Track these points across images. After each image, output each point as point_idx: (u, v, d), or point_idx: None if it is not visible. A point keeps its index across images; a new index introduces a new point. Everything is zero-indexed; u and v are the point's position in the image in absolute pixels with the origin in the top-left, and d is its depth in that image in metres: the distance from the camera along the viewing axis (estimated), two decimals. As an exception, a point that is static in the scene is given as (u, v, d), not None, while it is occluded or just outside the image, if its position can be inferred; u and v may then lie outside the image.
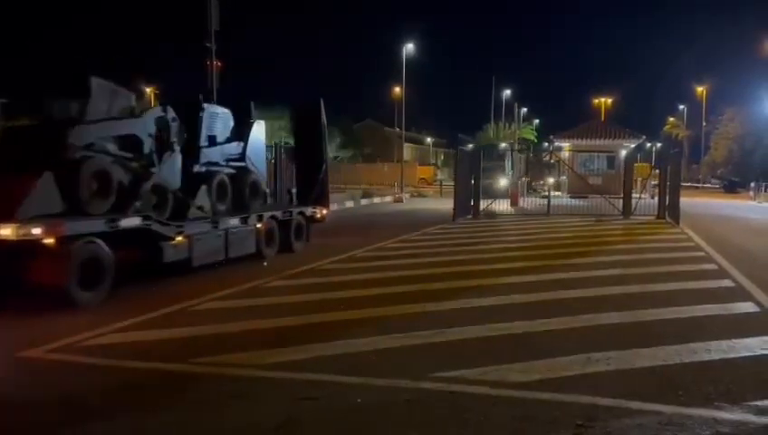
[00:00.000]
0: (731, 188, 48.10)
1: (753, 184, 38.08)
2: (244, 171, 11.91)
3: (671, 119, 76.05)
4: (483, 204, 22.56)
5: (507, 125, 65.27)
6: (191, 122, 10.70)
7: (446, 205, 22.68)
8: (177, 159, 10.24)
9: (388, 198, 32.76)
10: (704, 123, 66.61)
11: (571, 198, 29.36)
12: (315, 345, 6.10)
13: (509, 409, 4.61)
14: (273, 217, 12.00)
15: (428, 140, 79.58)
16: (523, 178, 33.61)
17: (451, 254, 12.70)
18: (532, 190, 34.65)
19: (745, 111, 55.66)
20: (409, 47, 38.13)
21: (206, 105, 11.34)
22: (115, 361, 5.73)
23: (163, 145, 9.88)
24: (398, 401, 4.76)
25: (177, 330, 6.75)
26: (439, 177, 54.07)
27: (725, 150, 59.71)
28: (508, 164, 33.85)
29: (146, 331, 6.75)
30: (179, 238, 9.38)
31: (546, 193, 26.78)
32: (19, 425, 4.47)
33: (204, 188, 10.66)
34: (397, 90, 44.81)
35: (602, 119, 47.85)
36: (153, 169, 9.55)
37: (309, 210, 13.40)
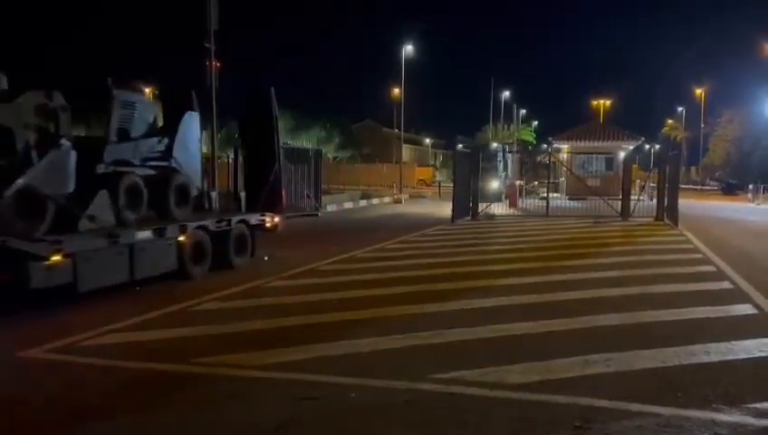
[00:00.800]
0: (729, 190, 48.17)
1: (751, 186, 38.14)
2: (168, 172, 10.03)
3: (670, 121, 76.17)
4: (480, 205, 22.43)
5: (506, 126, 65.34)
6: (95, 112, 9.10)
7: (445, 206, 22.70)
8: (68, 157, 8.33)
9: (387, 199, 32.77)
10: (702, 125, 66.71)
11: (569, 199, 29.38)
12: (315, 346, 6.11)
13: (508, 410, 4.62)
14: (202, 227, 9.98)
15: (427, 141, 79.62)
16: (517, 181, 33.07)
17: (450, 255, 12.71)
18: (525, 193, 33.02)
19: (744, 112, 55.73)
20: (408, 48, 38.15)
21: (116, 91, 9.24)
22: (115, 361, 5.74)
23: (45, 139, 8.05)
24: (397, 402, 4.78)
25: (176, 330, 6.75)
26: (438, 178, 54.07)
27: (723, 152, 59.78)
28: (500, 166, 32.74)
29: (146, 331, 6.75)
30: (56, 258, 7.34)
31: (544, 195, 26.76)
32: (19, 424, 4.47)
33: (103, 193, 8.70)
34: (396, 90, 44.80)
35: (601, 120, 47.93)
36: (28, 170, 7.72)
37: (254, 218, 11.40)
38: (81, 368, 5.59)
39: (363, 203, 29.85)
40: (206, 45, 18.60)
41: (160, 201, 9.71)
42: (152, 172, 9.81)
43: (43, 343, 6.15)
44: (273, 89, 12.36)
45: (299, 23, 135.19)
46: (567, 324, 7.00)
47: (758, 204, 34.03)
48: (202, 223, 10.07)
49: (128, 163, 9.40)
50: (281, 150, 12.90)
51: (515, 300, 8.26)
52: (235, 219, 10.86)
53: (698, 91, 67.16)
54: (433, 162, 74.82)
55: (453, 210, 20.60)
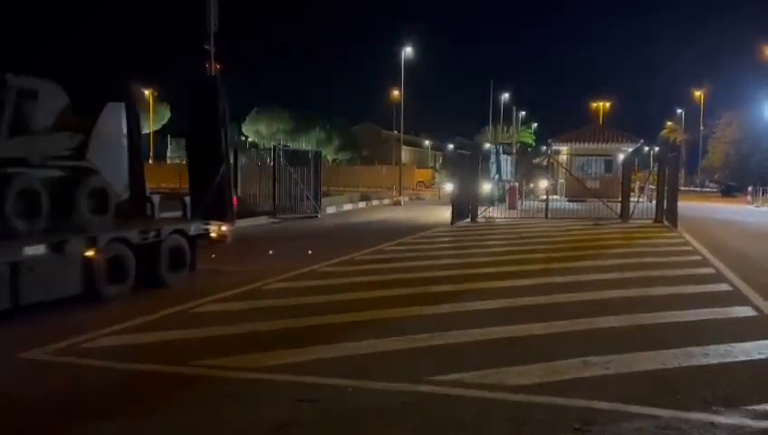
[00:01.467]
0: (728, 192, 48.25)
1: (750, 188, 38.18)
2: (82, 174, 8.58)
3: (669, 123, 76.31)
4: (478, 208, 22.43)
5: (506, 128, 65.40)
6: None
7: (444, 209, 22.72)
8: None
9: (387, 201, 32.78)
10: (701, 127, 66.81)
11: (569, 201, 29.39)
12: (314, 348, 6.11)
13: (507, 412, 4.63)
14: (121, 239, 8.36)
15: (427, 143, 79.68)
16: (515, 183, 32.34)
17: (449, 257, 12.72)
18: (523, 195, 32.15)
19: (743, 115, 55.83)
20: (408, 50, 38.23)
21: (10, 77, 7.86)
22: (115, 363, 5.74)
23: None
24: (396, 404, 4.78)
25: (176, 332, 6.76)
26: (437, 180, 54.13)
27: (722, 154, 59.89)
28: (494, 167, 31.00)
29: (145, 333, 6.76)
30: None
31: (542, 197, 26.76)
32: (19, 426, 4.48)
33: None
34: (395, 92, 44.86)
35: (600, 122, 48.01)
36: None
37: (192, 227, 9.79)
38: (82, 369, 5.59)
39: (362, 205, 29.85)
40: (206, 47, 18.64)
41: (69, 208, 8.14)
42: (60, 174, 8.34)
43: (43, 345, 6.15)
44: (220, 76, 10.75)
45: (299, 24, 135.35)
46: (566, 326, 7.01)
47: (757, 206, 34.05)
48: (120, 234, 8.41)
49: (22, 162, 7.87)
50: (228, 147, 11.23)
51: (514, 302, 8.26)
52: (166, 229, 9.20)
53: (697, 94, 67.33)
54: (432, 164, 74.89)
55: (452, 212, 20.61)
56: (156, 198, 10.26)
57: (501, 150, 33.88)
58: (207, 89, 10.95)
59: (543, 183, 31.29)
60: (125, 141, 9.61)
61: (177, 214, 10.71)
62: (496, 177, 29.82)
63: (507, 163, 33.98)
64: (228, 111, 10.81)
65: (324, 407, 4.74)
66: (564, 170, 32.65)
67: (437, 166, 74.49)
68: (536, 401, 4.82)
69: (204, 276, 9.86)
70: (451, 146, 32.40)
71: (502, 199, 27.61)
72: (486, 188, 26.90)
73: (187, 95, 11.26)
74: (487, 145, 36.54)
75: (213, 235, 10.33)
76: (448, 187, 29.75)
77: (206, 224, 10.17)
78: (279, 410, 4.68)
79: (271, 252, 11.19)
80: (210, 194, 10.37)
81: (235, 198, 10.83)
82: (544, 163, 31.95)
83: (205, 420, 4.56)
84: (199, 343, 6.35)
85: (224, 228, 10.44)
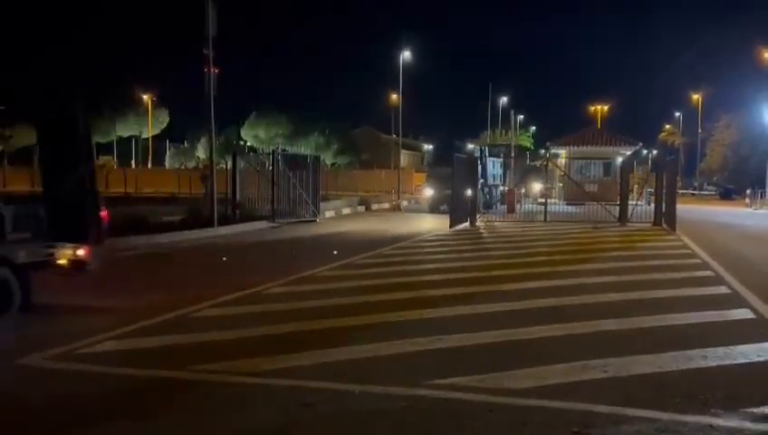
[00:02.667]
0: (727, 194, 48.34)
1: (748, 191, 38.24)
2: None
3: (667, 126, 76.39)
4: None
5: (504, 132, 65.44)
6: None
7: (442, 213, 22.74)
8: None
9: (386, 205, 32.75)
10: (699, 130, 66.90)
11: (567, 204, 29.42)
12: (313, 352, 6.11)
13: (506, 415, 4.63)
14: None
15: (426, 146, 79.74)
16: (502, 187, 31.10)
17: (448, 261, 12.72)
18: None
19: (741, 117, 55.92)
20: (406, 54, 38.29)
21: None
22: (113, 368, 5.73)
23: None
24: (395, 408, 4.78)
25: (174, 337, 6.74)
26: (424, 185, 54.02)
27: (721, 157, 59.98)
28: (479, 171, 27.34)
29: (144, 338, 6.74)
30: None
31: (541, 200, 26.70)
32: (17, 432, 4.47)
33: None
34: (394, 96, 44.91)
35: (599, 126, 48.10)
36: None
37: (23, 254, 7.36)
38: (80, 375, 5.58)
39: (360, 209, 29.82)
40: (205, 51, 18.67)
41: None
42: None
43: (41, 350, 6.12)
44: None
45: (297, 28, 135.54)
46: (565, 330, 7.01)
47: (755, 209, 34.12)
48: None
49: None
50: (92, 139, 8.87)
51: (513, 305, 8.26)
52: None
53: (695, 97, 67.40)
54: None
55: (450, 217, 20.61)
56: (9, 211, 7.52)
57: (486, 152, 30.62)
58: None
59: (537, 186, 30.84)
60: None
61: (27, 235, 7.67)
62: (481, 181, 26.59)
63: (495, 166, 31.53)
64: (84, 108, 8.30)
65: (323, 411, 4.74)
66: (562, 173, 32.65)
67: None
68: (535, 404, 4.82)
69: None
70: (427, 147, 31.00)
71: (489, 206, 26.60)
72: (469, 193, 23.74)
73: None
74: (470, 146, 31.90)
75: (62, 261, 7.72)
76: (428, 192, 28.73)
77: (50, 248, 7.62)
78: (278, 415, 4.68)
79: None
80: (61, 205, 7.80)
81: (104, 212, 8.20)
82: (538, 165, 31.66)
83: (203, 425, 4.56)
84: (197, 348, 6.34)
85: (80, 252, 7.74)
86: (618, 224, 21.32)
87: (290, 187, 22.46)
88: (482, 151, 29.97)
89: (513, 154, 44.18)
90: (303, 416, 4.66)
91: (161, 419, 4.66)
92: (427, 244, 15.97)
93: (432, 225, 21.05)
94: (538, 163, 33.20)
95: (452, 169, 21.46)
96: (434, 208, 26.73)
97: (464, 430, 4.42)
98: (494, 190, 30.32)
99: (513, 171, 37.29)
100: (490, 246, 15.54)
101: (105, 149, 67.94)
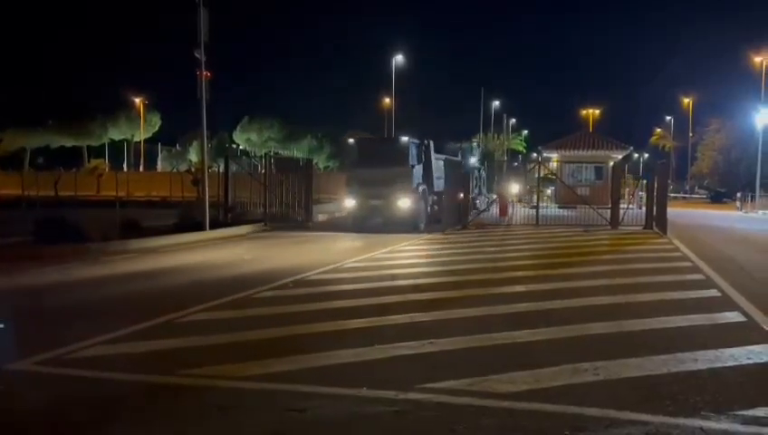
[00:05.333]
0: (717, 198, 48.65)
1: (739, 194, 38.49)
2: None
3: (658, 130, 76.83)
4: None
5: (496, 136, 65.64)
6: None
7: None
8: None
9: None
10: (690, 134, 67.30)
11: (559, 208, 29.50)
12: (303, 356, 6.08)
13: (497, 419, 4.62)
14: None
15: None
16: (481, 195, 27.44)
17: (439, 265, 12.72)
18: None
19: (731, 121, 56.30)
20: (399, 58, 38.42)
21: None
22: (102, 373, 5.68)
23: None
24: (386, 412, 4.76)
25: (164, 341, 6.70)
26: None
27: (711, 161, 60.31)
28: (418, 172, 20.74)
29: (133, 342, 6.69)
30: None
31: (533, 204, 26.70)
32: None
33: None
34: (386, 100, 44.98)
35: (590, 129, 48.36)
36: None
37: None
38: (69, 380, 5.53)
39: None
40: (197, 55, 18.63)
41: None
42: None
43: (30, 356, 6.08)
44: None
45: (290, 30, 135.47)
46: (556, 333, 7.01)
47: (746, 212, 34.33)
48: None
49: None
50: None
51: (504, 309, 8.26)
52: None
53: (686, 101, 67.82)
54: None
55: (442, 220, 20.62)
56: None
57: (431, 147, 22.19)
58: None
59: (515, 189, 29.95)
60: None
61: None
62: (422, 187, 20.69)
63: (441, 167, 23.16)
64: None
65: (313, 416, 4.71)
66: (553, 176, 32.71)
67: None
68: (526, 407, 4.81)
69: (188, 286, 9.62)
70: (351, 140, 23.26)
71: (437, 220, 21.51)
72: (404, 204, 19.43)
73: None
74: (405, 139, 21.56)
75: None
76: (349, 202, 20.63)
77: None
78: (267, 420, 4.65)
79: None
80: None
81: None
82: (515, 166, 30.88)
83: (191, 431, 4.52)
84: (187, 353, 6.30)
85: None
86: (609, 227, 21.40)
87: (282, 190, 22.43)
88: (422, 147, 21.40)
89: (506, 157, 44.13)
90: (292, 421, 4.63)
91: (150, 424, 4.62)
92: (418, 248, 15.93)
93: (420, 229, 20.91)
94: (517, 166, 32.32)
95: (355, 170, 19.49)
96: (360, 224, 19.97)
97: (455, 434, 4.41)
98: (431, 199, 22.49)
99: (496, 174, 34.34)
100: (481, 249, 15.53)
101: (97, 152, 67.76)
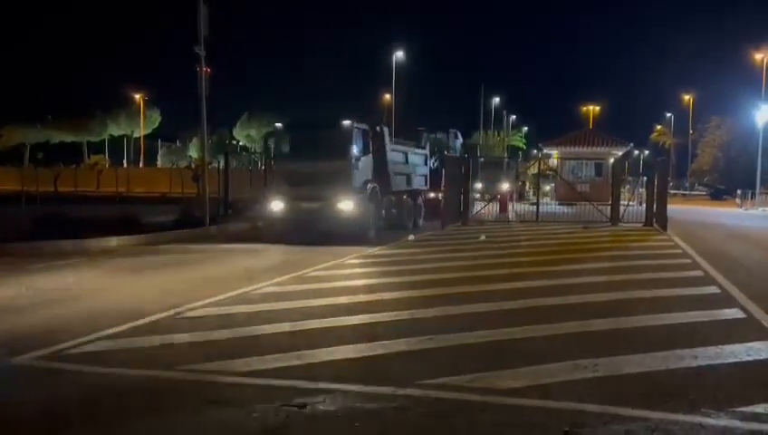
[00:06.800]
0: (717, 195, 48.70)
1: (739, 191, 38.52)
2: None
3: (658, 127, 76.75)
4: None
5: (496, 133, 65.59)
6: None
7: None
8: None
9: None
10: (690, 131, 67.26)
11: (559, 204, 29.51)
12: (303, 352, 6.09)
13: (497, 415, 4.62)
14: None
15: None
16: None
17: (439, 261, 12.71)
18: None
19: (731, 118, 56.29)
20: (399, 54, 38.36)
21: None
22: (102, 368, 5.69)
23: None
24: (385, 409, 4.76)
25: (164, 337, 6.70)
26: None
27: (711, 158, 60.31)
28: (358, 166, 16.15)
29: (133, 338, 6.70)
30: None
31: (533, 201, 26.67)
32: (3, 433, 4.42)
33: None
34: (386, 96, 44.92)
35: (590, 126, 48.34)
36: None
37: None
38: (69, 375, 5.54)
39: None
40: (197, 51, 18.62)
41: None
42: None
43: (29, 351, 6.09)
44: None
45: (292, 26, 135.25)
46: (555, 329, 7.01)
47: (746, 209, 34.36)
48: None
49: None
50: None
51: (504, 305, 8.26)
52: None
53: (686, 98, 67.74)
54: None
55: (443, 216, 20.62)
56: None
57: (385, 136, 17.80)
58: None
59: (504, 186, 29.30)
60: None
61: None
62: (371, 186, 16.53)
63: (402, 160, 19.33)
64: None
65: (312, 412, 4.72)
66: (550, 173, 32.70)
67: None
68: (526, 403, 4.82)
69: (189, 282, 9.63)
70: (278, 125, 18.31)
71: (401, 224, 18.35)
72: (345, 207, 15.42)
73: None
74: (346, 123, 16.25)
75: None
76: (275, 206, 16.08)
77: None
78: (267, 415, 4.64)
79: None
80: None
81: None
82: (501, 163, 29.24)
83: (191, 426, 4.53)
84: (187, 348, 6.31)
85: None
86: (609, 224, 21.40)
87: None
88: (370, 134, 17.00)
89: (506, 154, 43.84)
90: (292, 417, 4.63)
91: (150, 419, 4.62)
92: (419, 244, 15.91)
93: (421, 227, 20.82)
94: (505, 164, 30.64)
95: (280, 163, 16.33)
96: (290, 234, 15.57)
97: (455, 431, 4.41)
98: (417, 198, 20.33)
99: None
100: (481, 245, 15.54)
101: (97, 148, 67.77)
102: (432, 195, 21.24)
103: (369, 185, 16.51)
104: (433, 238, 17.26)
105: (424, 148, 21.76)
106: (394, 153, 18.45)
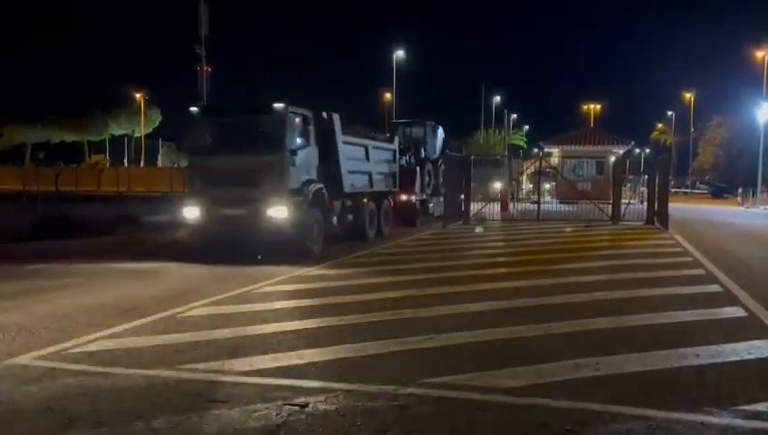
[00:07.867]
0: (718, 193, 48.71)
1: (740, 190, 38.50)
2: None
3: (659, 125, 76.73)
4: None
5: (497, 132, 65.56)
6: None
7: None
8: None
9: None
10: (692, 130, 67.21)
11: (560, 203, 29.49)
12: (304, 351, 6.09)
13: (498, 414, 4.61)
14: None
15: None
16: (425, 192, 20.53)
17: (441, 259, 12.70)
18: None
19: (732, 116, 56.26)
20: (400, 53, 38.35)
21: None
22: (104, 367, 5.68)
23: None
24: (386, 407, 4.75)
25: (166, 336, 6.70)
26: None
27: (712, 156, 60.32)
28: (306, 160, 13.07)
29: (135, 337, 6.70)
30: None
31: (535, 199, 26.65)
32: (5, 433, 4.42)
33: None
34: (387, 95, 44.90)
35: (591, 124, 48.34)
36: None
37: None
38: (70, 375, 5.52)
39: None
40: (197, 50, 18.64)
41: None
42: None
43: (31, 350, 6.09)
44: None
45: (289, 25, 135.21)
46: (556, 328, 7.00)
47: (747, 207, 34.33)
48: None
49: None
50: None
51: (504, 304, 8.26)
52: None
53: (688, 96, 67.68)
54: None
55: (444, 215, 20.61)
56: None
57: (335, 124, 14.19)
58: None
59: (496, 186, 29.06)
60: None
61: None
62: (315, 187, 13.11)
63: (360, 155, 15.77)
64: None
65: (314, 411, 4.71)
66: (551, 170, 32.67)
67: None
68: (527, 402, 4.81)
69: (190, 281, 9.61)
70: (194, 109, 13.23)
71: (360, 234, 15.35)
72: (278, 213, 12.07)
73: None
74: (279, 106, 12.32)
75: None
76: (190, 212, 12.69)
77: None
78: (268, 415, 4.64)
79: (259, 257, 10.75)
80: None
81: None
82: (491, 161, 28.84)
83: (193, 426, 4.52)
84: (188, 347, 6.30)
85: None
86: (610, 223, 21.38)
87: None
88: (312, 121, 13.37)
89: (507, 152, 43.69)
90: (293, 416, 4.63)
91: (150, 419, 4.61)
92: (420, 242, 15.89)
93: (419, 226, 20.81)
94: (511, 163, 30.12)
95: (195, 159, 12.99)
96: (209, 246, 12.78)
97: (456, 430, 4.40)
98: (382, 201, 16.84)
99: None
100: (482, 244, 15.52)
101: (97, 147, 67.76)
102: (404, 197, 18.50)
103: (311, 185, 12.99)
104: (434, 237, 17.25)
105: (391, 142, 18.37)
106: (348, 146, 14.75)
